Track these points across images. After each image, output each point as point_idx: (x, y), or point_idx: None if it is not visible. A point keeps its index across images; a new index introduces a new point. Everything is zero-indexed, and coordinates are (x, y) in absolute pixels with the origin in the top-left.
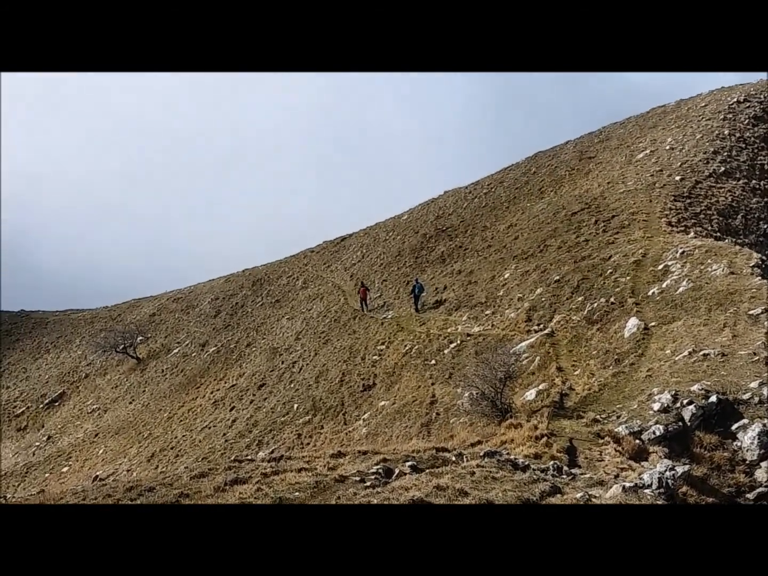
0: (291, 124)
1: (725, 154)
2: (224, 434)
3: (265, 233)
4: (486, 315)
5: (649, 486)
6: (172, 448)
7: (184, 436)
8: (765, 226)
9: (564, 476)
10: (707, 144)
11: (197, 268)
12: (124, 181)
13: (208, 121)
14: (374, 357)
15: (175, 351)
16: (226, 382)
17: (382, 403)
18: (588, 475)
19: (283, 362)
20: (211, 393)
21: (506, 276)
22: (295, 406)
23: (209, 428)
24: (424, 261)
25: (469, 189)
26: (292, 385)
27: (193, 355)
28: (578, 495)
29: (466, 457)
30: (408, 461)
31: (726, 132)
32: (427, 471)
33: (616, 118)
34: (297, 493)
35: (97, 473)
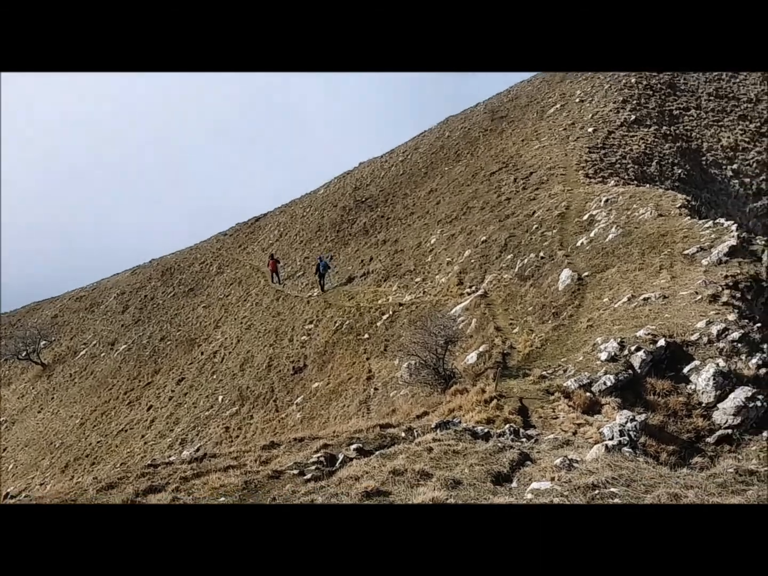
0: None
1: (634, 102)
2: (143, 436)
3: (183, 225)
4: (416, 283)
5: (611, 439)
6: (87, 456)
7: (99, 442)
8: (679, 171)
9: (524, 439)
10: (616, 93)
11: (106, 266)
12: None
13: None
14: (303, 338)
15: (83, 353)
16: (140, 381)
17: (316, 384)
18: (551, 436)
19: (202, 353)
20: (125, 393)
21: (432, 241)
22: (220, 398)
23: (126, 431)
24: (346, 234)
25: (385, 158)
26: (214, 377)
27: (102, 355)
28: (557, 461)
29: (417, 431)
30: (352, 443)
31: (633, 80)
32: (377, 453)
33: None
34: (222, 499)
35: (8, 490)
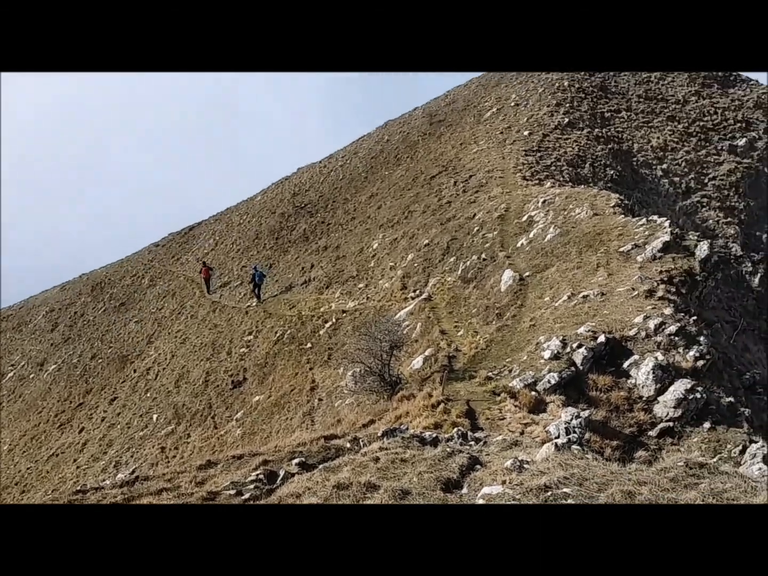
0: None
1: (567, 105)
2: (75, 460)
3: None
4: (359, 289)
5: (558, 437)
6: (16, 484)
7: (29, 468)
8: (611, 172)
9: (472, 442)
10: (550, 97)
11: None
12: None
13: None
14: (242, 350)
15: (10, 375)
16: (71, 402)
17: (256, 398)
18: (500, 438)
19: (135, 371)
20: (56, 416)
21: (375, 246)
22: (155, 416)
23: (57, 456)
24: (286, 241)
25: (324, 163)
26: (148, 395)
27: (31, 376)
28: (507, 464)
29: (363, 441)
30: (294, 458)
31: (566, 83)
32: (321, 467)
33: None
34: None
35: None
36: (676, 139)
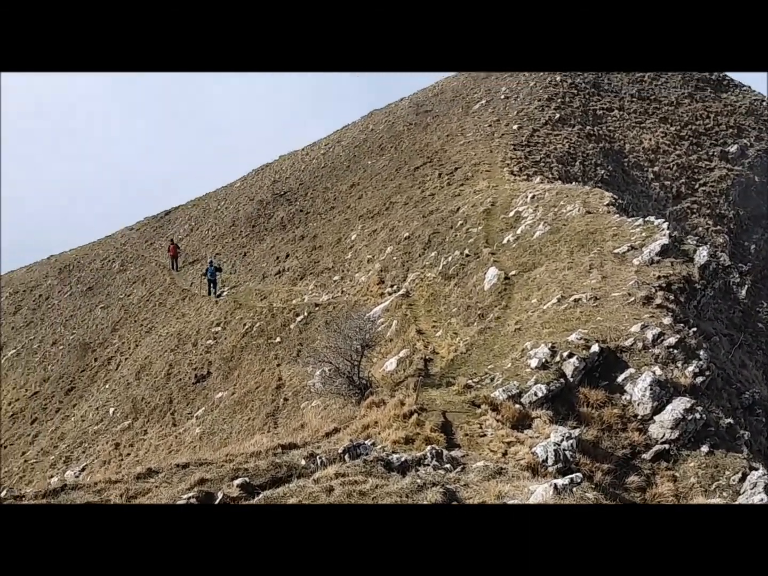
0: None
1: (559, 100)
2: (23, 453)
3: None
4: (334, 281)
5: (545, 461)
6: None
7: None
8: (602, 172)
9: (448, 465)
10: (541, 91)
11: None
12: None
13: None
14: (208, 342)
15: None
16: (27, 390)
17: (219, 394)
18: (481, 464)
19: (96, 359)
20: (9, 404)
21: (353, 237)
22: (111, 410)
23: (5, 447)
24: (262, 229)
25: (306, 151)
26: (107, 386)
27: None
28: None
29: (321, 458)
30: (238, 476)
31: (558, 78)
32: (263, 495)
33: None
34: None
35: None
36: (668, 142)
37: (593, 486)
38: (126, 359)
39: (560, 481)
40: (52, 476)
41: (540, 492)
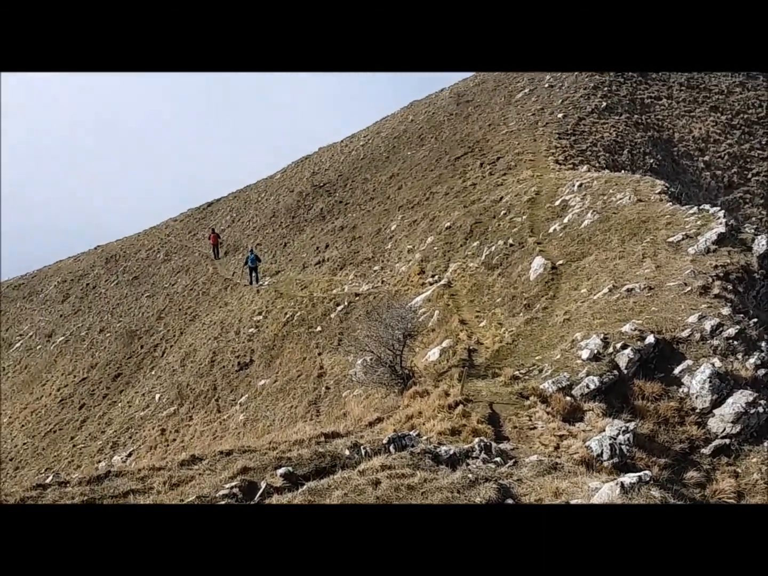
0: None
1: (605, 89)
2: (72, 438)
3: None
4: (374, 271)
5: (600, 455)
6: (11, 460)
7: (25, 444)
8: (651, 161)
9: (498, 459)
10: (586, 80)
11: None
12: None
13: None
14: (250, 330)
15: (18, 345)
16: (75, 376)
17: (262, 382)
18: (534, 458)
19: (142, 347)
20: (58, 390)
21: (393, 228)
22: (157, 396)
23: (54, 432)
24: (302, 220)
25: (345, 143)
26: (153, 373)
27: (38, 347)
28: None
29: (365, 448)
30: (281, 466)
31: None
32: (307, 486)
33: None
34: None
35: None
36: (719, 131)
37: (656, 483)
38: (171, 347)
39: (627, 479)
40: (99, 461)
41: (605, 491)
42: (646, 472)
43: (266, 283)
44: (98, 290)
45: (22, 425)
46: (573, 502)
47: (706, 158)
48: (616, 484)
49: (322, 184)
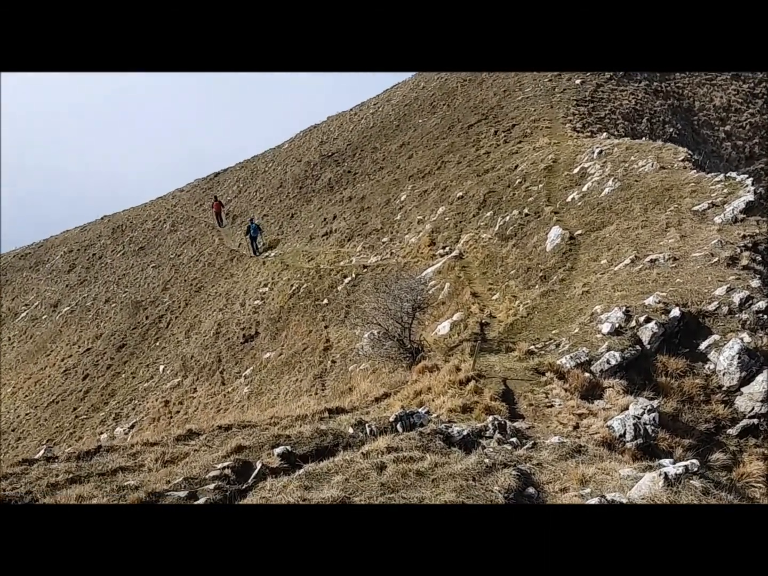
0: None
1: None
2: (75, 408)
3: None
4: (383, 243)
5: (623, 435)
6: (13, 431)
7: (27, 414)
8: (671, 130)
9: (513, 439)
10: None
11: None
12: None
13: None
14: (256, 302)
15: (23, 315)
16: (80, 346)
17: (267, 354)
18: (555, 439)
19: (147, 317)
20: (62, 360)
21: (402, 198)
22: (161, 367)
23: (57, 402)
24: (310, 190)
25: (354, 111)
26: (157, 344)
27: (43, 317)
28: (592, 501)
29: (370, 427)
30: (279, 443)
31: None
32: (305, 469)
33: None
34: None
35: None
36: (740, 100)
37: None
38: (176, 318)
39: (672, 470)
40: (101, 433)
41: (646, 483)
42: (694, 461)
43: (273, 255)
44: (104, 260)
45: (26, 395)
46: (608, 495)
47: (727, 128)
48: (659, 475)
49: (330, 154)
